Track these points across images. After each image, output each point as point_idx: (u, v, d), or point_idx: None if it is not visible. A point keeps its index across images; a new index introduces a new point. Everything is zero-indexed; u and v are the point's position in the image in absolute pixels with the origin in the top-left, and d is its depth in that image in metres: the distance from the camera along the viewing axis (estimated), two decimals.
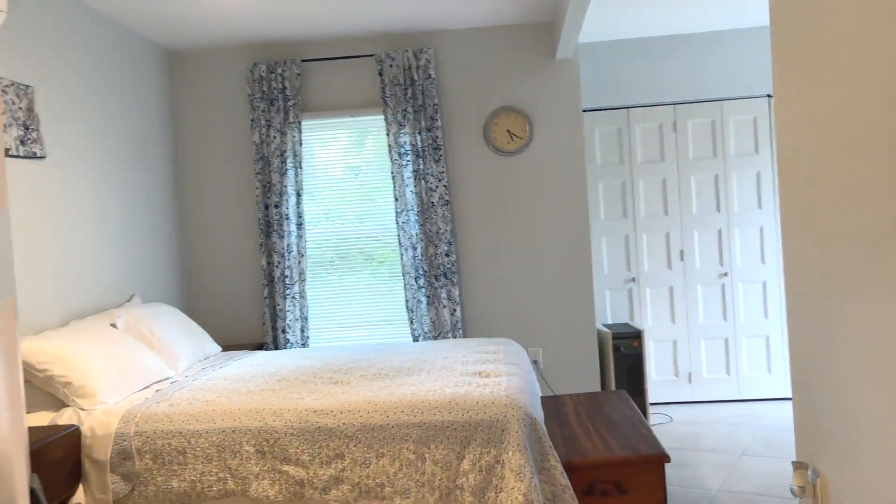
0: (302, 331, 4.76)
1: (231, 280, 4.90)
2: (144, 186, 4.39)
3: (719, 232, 5.17)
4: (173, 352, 3.65)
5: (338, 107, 4.82)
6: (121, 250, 4.08)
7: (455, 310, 4.67)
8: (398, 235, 4.67)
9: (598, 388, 4.78)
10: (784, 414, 4.81)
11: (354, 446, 2.67)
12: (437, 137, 4.64)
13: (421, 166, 4.65)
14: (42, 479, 2.54)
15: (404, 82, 4.64)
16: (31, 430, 2.73)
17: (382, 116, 4.78)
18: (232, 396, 2.96)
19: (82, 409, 2.89)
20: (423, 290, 4.69)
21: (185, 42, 4.68)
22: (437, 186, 4.65)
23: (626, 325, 5.08)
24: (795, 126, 1.24)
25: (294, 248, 4.74)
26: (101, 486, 2.75)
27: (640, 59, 5.21)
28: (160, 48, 4.72)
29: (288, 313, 4.72)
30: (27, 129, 3.30)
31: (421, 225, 4.68)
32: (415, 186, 4.66)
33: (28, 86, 3.32)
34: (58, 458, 2.64)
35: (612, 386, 4.73)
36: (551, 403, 3.69)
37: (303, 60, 4.75)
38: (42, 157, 3.41)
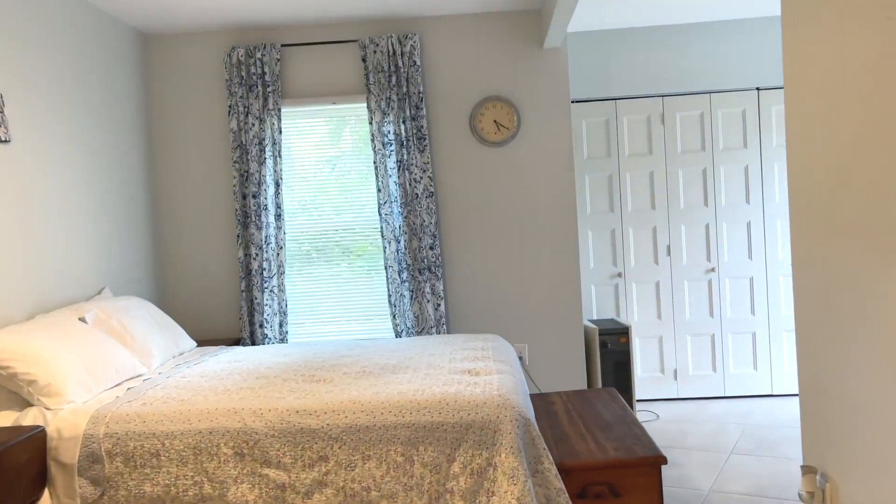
0: (280, 326, 4.60)
1: (207, 272, 4.72)
2: (116, 174, 4.20)
3: (706, 227, 5.10)
4: (146, 347, 3.48)
5: (319, 93, 4.66)
6: (91, 240, 3.89)
7: (439, 304, 4.54)
8: (381, 228, 4.53)
9: (584, 386, 4.69)
10: (771, 411, 4.76)
11: (339, 448, 2.53)
12: (421, 127, 4.51)
13: (405, 156, 4.51)
14: (4, 483, 2.37)
15: (388, 69, 4.49)
16: None
17: (365, 104, 4.63)
18: (209, 395, 2.80)
19: (48, 409, 2.72)
20: (407, 285, 4.56)
21: (159, 24, 4.48)
22: (421, 177, 4.52)
23: (613, 320, 4.99)
24: (808, 119, 1.16)
25: (272, 240, 4.58)
26: (69, 490, 2.58)
27: (628, 50, 5.11)
28: (133, 31, 4.52)
29: (266, 307, 4.56)
30: None
31: (405, 217, 4.54)
32: (398, 177, 4.52)
33: None
34: (22, 462, 2.47)
35: (599, 383, 4.64)
36: (540, 402, 3.59)
37: (283, 45, 4.58)
38: (6, 142, 3.21)
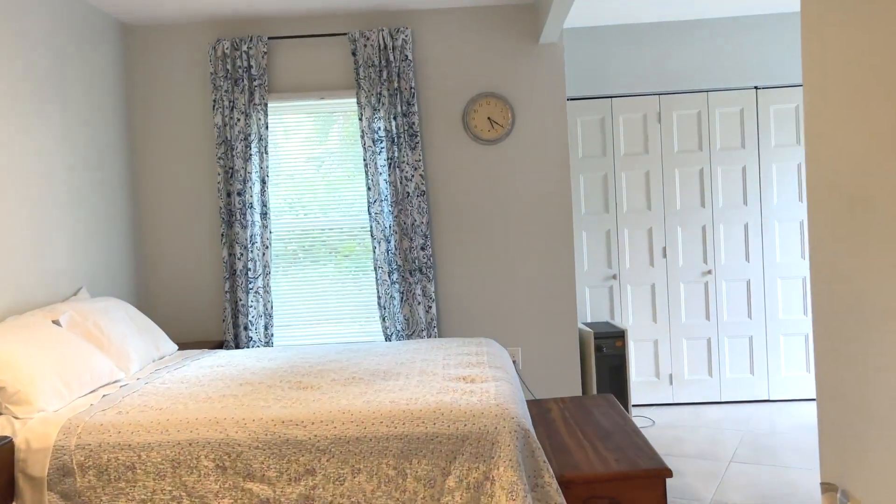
0: (266, 328, 4.45)
1: (189, 273, 4.56)
2: (95, 169, 4.03)
3: (703, 228, 4.99)
4: (124, 351, 3.31)
5: (307, 88, 4.50)
6: (67, 238, 3.72)
7: (430, 307, 4.40)
8: (370, 227, 4.39)
9: (579, 391, 4.56)
10: (769, 417, 4.65)
11: (327, 461, 2.39)
12: (413, 123, 4.36)
13: (396, 154, 4.37)
14: None
15: (379, 63, 4.35)
16: None
17: (355, 99, 4.48)
18: (189, 403, 2.65)
19: (17, 418, 2.55)
20: (397, 286, 4.42)
21: (141, 15, 4.31)
22: (412, 175, 4.38)
23: (608, 323, 4.87)
24: (828, 117, 1.09)
25: (258, 239, 4.42)
26: None
27: (624, 47, 4.99)
28: (114, 21, 4.35)
29: (251, 309, 4.40)
30: None
31: (395, 216, 4.40)
32: (389, 175, 4.38)
33: None
34: None
35: (594, 388, 4.51)
36: (536, 409, 3.46)
37: (270, 38, 4.42)
38: None
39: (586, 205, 5.02)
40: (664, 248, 5.01)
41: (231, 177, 4.41)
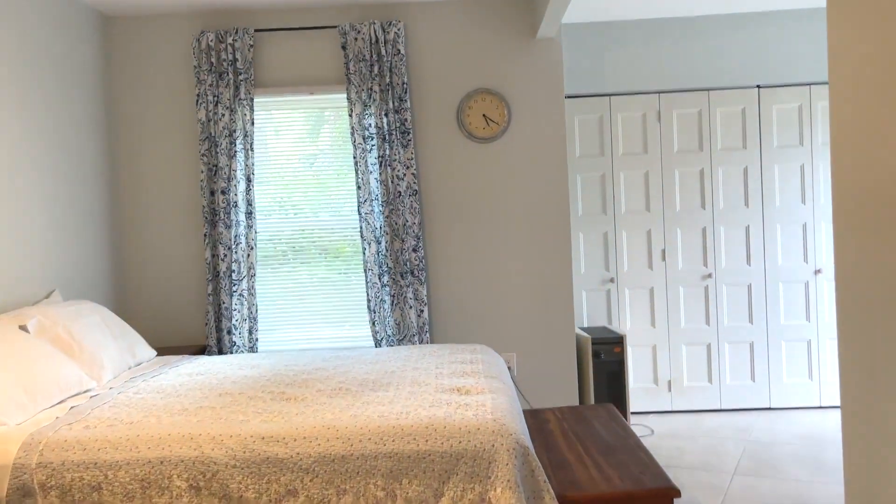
0: (250, 332, 4.26)
1: (170, 274, 4.36)
2: (72, 166, 3.84)
3: (703, 230, 4.84)
4: (96, 358, 3.12)
5: (295, 83, 4.32)
6: (40, 238, 3.53)
7: (422, 311, 4.23)
8: (360, 228, 4.21)
9: (575, 399, 4.40)
10: (770, 426, 4.50)
11: (310, 481, 2.21)
12: (405, 120, 4.19)
13: (387, 151, 4.19)
14: None
15: (370, 58, 4.17)
16: None
17: (345, 95, 4.30)
18: (162, 416, 2.47)
19: None
20: (388, 289, 4.24)
21: (121, 4, 4.12)
22: (404, 174, 4.20)
23: (605, 328, 4.71)
24: (855, 117, 1.05)
25: (242, 240, 4.23)
26: None
27: (623, 43, 4.83)
28: (93, 11, 4.16)
29: (234, 312, 4.21)
30: None
31: (386, 217, 4.22)
32: (380, 174, 4.20)
33: None
34: None
35: (591, 396, 4.35)
36: (532, 420, 3.29)
37: (256, 30, 4.24)
38: None
39: (583, 206, 4.86)
40: (663, 251, 4.86)
41: (215, 174, 4.23)
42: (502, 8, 4.30)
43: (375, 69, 4.16)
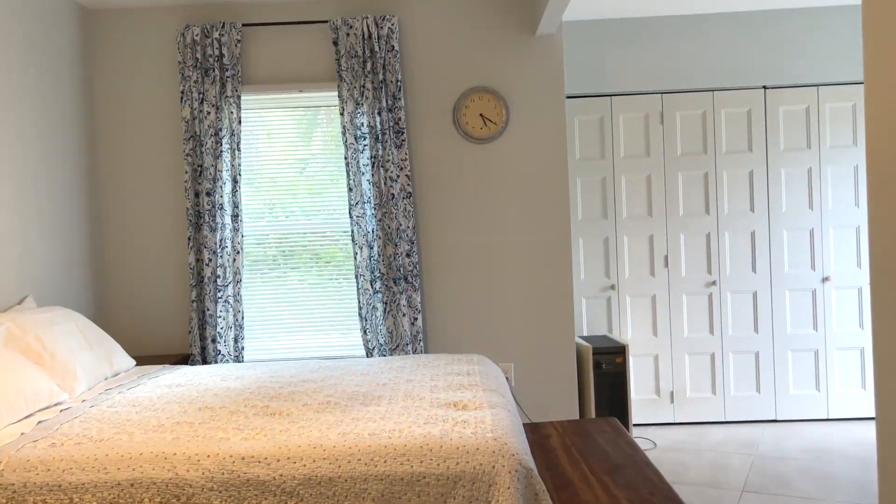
0: (235, 341, 4.07)
1: (152, 280, 4.17)
2: (49, 166, 3.64)
3: (707, 236, 4.68)
4: (69, 369, 2.93)
5: (284, 80, 4.14)
6: (12, 241, 3.33)
7: (416, 319, 4.04)
8: (352, 231, 4.03)
9: (576, 411, 4.22)
10: (777, 440, 4.34)
11: None
12: (399, 119, 4.02)
13: (380, 152, 4.02)
14: None
15: (363, 54, 4.00)
16: None
17: (336, 93, 4.13)
18: (135, 433, 2.27)
19: None
20: (380, 296, 4.06)
21: None
22: (397, 176, 4.03)
23: (606, 337, 4.54)
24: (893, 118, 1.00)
25: (228, 244, 4.04)
26: None
27: (625, 42, 4.67)
28: (72, 3, 3.97)
29: (219, 320, 4.02)
30: None
31: (378, 220, 4.04)
32: (372, 175, 4.03)
33: None
34: None
35: (592, 408, 4.18)
36: (532, 435, 3.11)
37: (244, 24, 4.07)
38: None
39: (583, 210, 4.70)
40: (666, 257, 4.69)
41: (200, 175, 4.04)
42: (501, 3, 4.13)
43: (368, 66, 3.99)
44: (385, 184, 4.02)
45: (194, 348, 4.03)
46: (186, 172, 4.02)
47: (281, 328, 4.25)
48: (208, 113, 4.01)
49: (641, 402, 4.70)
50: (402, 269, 4.03)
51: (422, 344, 4.06)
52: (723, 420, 4.69)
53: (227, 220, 4.04)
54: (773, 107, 4.62)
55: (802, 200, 4.63)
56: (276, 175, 4.21)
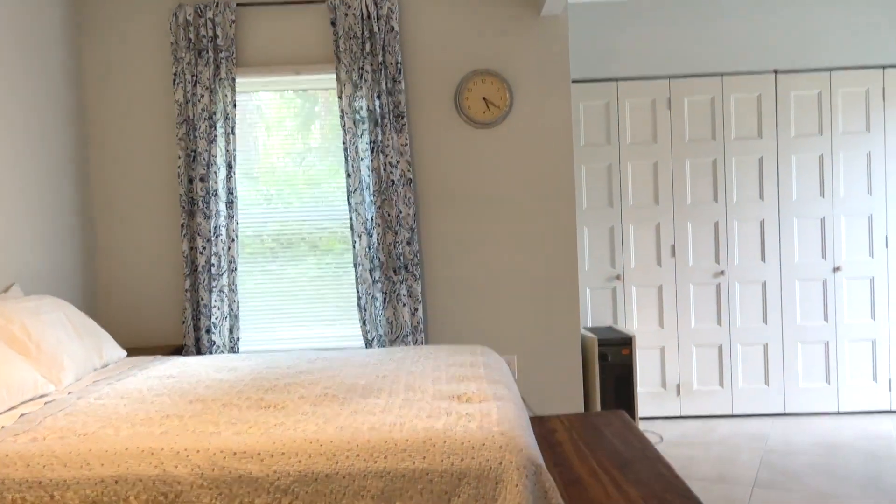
0: (230, 331, 3.95)
1: (144, 268, 4.05)
2: (37, 150, 3.51)
3: (716, 225, 4.56)
4: (56, 360, 2.81)
5: (280, 62, 4.01)
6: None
7: (416, 309, 3.93)
8: (350, 219, 3.90)
9: (581, 404, 4.10)
10: (786, 433, 4.23)
11: None
12: (399, 103, 3.89)
13: (379, 137, 3.89)
14: None
15: (362, 35, 3.87)
16: None
17: (334, 75, 3.99)
18: (121, 427, 2.16)
19: None
20: (379, 285, 3.94)
21: None
22: (398, 161, 3.90)
23: (611, 328, 4.42)
24: None
25: (223, 231, 3.92)
26: None
27: (631, 25, 4.54)
28: None
29: (214, 309, 3.90)
30: None
31: (378, 207, 3.92)
32: (371, 161, 3.90)
33: None
34: None
35: (598, 401, 4.06)
36: (538, 429, 2.99)
37: (238, 4, 3.94)
38: None
39: (588, 198, 4.57)
40: (673, 247, 4.57)
41: (193, 160, 3.91)
42: None
43: (367, 47, 3.86)
44: (385, 170, 3.90)
45: (188, 339, 3.91)
46: (179, 158, 3.89)
47: (278, 320, 4.13)
48: (202, 96, 3.87)
49: (647, 394, 4.58)
50: (402, 258, 3.91)
51: (422, 335, 3.94)
52: (730, 413, 4.58)
53: (222, 206, 3.91)
54: (784, 92, 4.50)
55: (813, 188, 4.51)
56: (275, 164, 4.08)
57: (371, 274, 3.92)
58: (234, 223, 3.92)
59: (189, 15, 3.86)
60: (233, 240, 3.93)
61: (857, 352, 4.53)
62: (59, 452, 1.99)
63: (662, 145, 4.54)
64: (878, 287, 4.51)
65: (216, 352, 3.91)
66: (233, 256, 3.93)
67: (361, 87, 3.88)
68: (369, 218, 3.92)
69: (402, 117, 3.89)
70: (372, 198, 3.91)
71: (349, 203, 3.89)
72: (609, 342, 4.11)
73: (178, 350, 3.92)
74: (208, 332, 3.89)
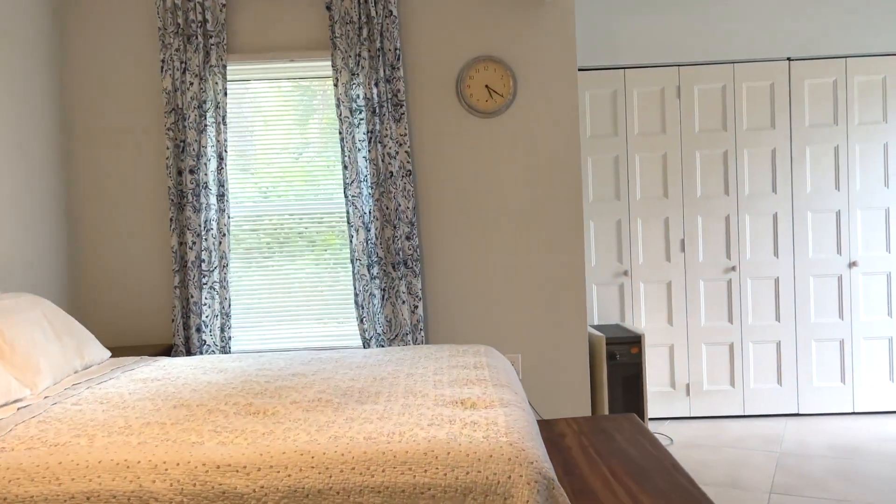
0: (222, 330, 3.78)
1: (131, 264, 3.87)
2: (17, 140, 3.34)
3: (727, 219, 4.39)
4: (31, 362, 2.64)
5: (273, 48, 3.83)
6: None
7: (416, 306, 3.76)
8: (347, 212, 3.73)
9: (588, 405, 3.94)
10: (800, 435, 4.06)
11: None
12: (398, 91, 3.71)
13: (377, 126, 3.71)
14: None
15: (359, 20, 3.69)
16: None
17: (329, 62, 3.82)
18: (96, 436, 1.98)
19: None
20: (377, 282, 3.77)
21: None
22: (396, 152, 3.73)
23: (619, 326, 4.26)
24: None
25: (213, 225, 3.75)
26: None
27: (639, 11, 4.36)
28: None
29: (205, 307, 3.73)
30: None
31: (376, 200, 3.74)
32: (369, 151, 3.72)
33: None
34: None
35: (605, 403, 3.90)
36: (545, 433, 2.83)
37: None
38: None
39: (594, 191, 4.40)
40: (682, 241, 4.40)
41: (182, 151, 3.74)
42: None
43: (364, 33, 3.68)
44: (383, 161, 3.72)
45: (178, 338, 3.74)
46: (168, 149, 3.72)
47: (272, 318, 3.96)
48: (191, 84, 3.70)
49: (655, 394, 4.42)
50: (401, 253, 3.74)
51: (423, 334, 3.77)
52: (742, 414, 4.42)
53: (213, 199, 3.74)
54: (798, 80, 4.32)
55: (828, 180, 4.34)
56: (270, 157, 3.91)
57: (369, 270, 3.75)
58: (226, 217, 3.75)
59: None
60: (224, 234, 3.75)
61: (873, 350, 4.36)
62: (27, 465, 1.82)
63: (671, 136, 4.37)
64: (894, 283, 4.34)
65: (207, 351, 3.74)
66: (224, 252, 3.76)
67: (358, 75, 3.70)
68: (367, 211, 3.75)
69: (401, 106, 3.71)
70: (370, 190, 3.74)
71: (346, 196, 3.72)
72: (617, 341, 3.95)
73: (167, 350, 3.74)
74: (198, 330, 3.72)
